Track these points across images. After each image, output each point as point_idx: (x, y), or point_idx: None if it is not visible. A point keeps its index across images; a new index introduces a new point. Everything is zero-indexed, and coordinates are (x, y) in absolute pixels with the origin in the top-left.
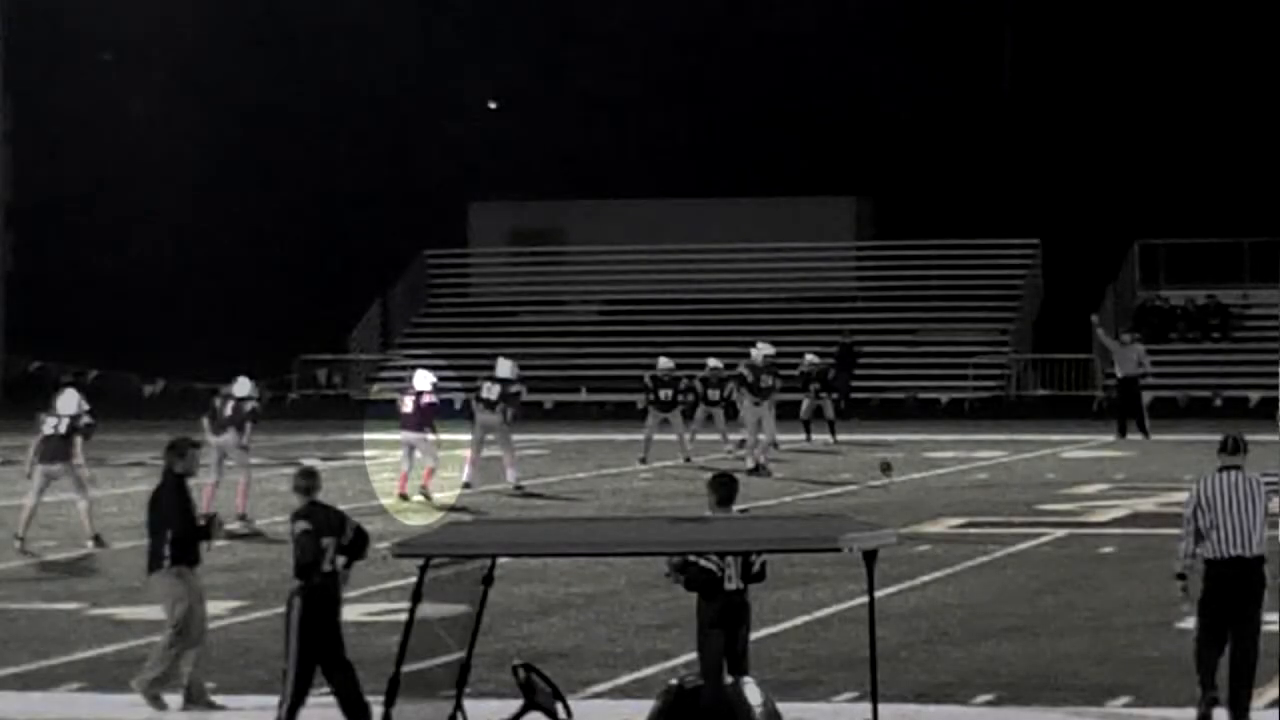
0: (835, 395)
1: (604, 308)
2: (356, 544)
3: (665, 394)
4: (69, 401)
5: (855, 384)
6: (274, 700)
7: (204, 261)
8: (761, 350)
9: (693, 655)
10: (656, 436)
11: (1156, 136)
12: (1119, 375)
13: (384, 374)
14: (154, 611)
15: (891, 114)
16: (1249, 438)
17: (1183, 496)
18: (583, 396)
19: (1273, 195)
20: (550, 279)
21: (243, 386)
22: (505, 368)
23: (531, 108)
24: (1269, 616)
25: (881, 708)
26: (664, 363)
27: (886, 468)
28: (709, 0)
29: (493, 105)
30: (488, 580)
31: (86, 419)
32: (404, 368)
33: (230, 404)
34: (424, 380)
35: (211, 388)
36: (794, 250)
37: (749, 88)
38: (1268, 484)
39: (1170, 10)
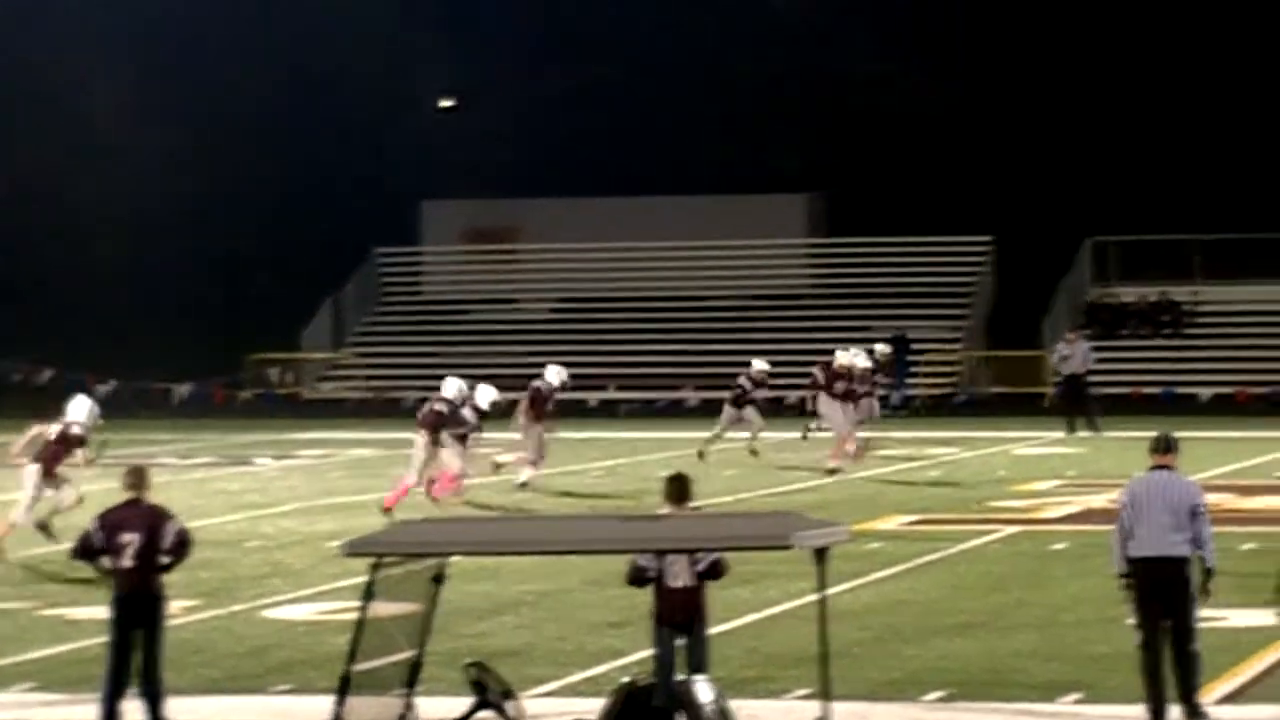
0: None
1: (557, 306)
2: (176, 547)
3: (760, 394)
4: (78, 408)
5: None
6: (229, 701)
7: (155, 260)
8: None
9: (646, 653)
10: (629, 434)
11: (1109, 134)
12: (1065, 373)
13: (335, 373)
14: (106, 611)
15: (844, 111)
16: (1200, 435)
17: None
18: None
19: (1224, 192)
20: (503, 277)
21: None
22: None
23: (485, 106)
24: (1222, 612)
25: (833, 705)
26: (760, 365)
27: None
28: (663, 0)
29: (445, 104)
30: (439, 579)
31: (77, 428)
32: (355, 366)
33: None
34: (450, 388)
35: (165, 386)
36: (747, 248)
37: (702, 86)
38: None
39: (1123, 9)
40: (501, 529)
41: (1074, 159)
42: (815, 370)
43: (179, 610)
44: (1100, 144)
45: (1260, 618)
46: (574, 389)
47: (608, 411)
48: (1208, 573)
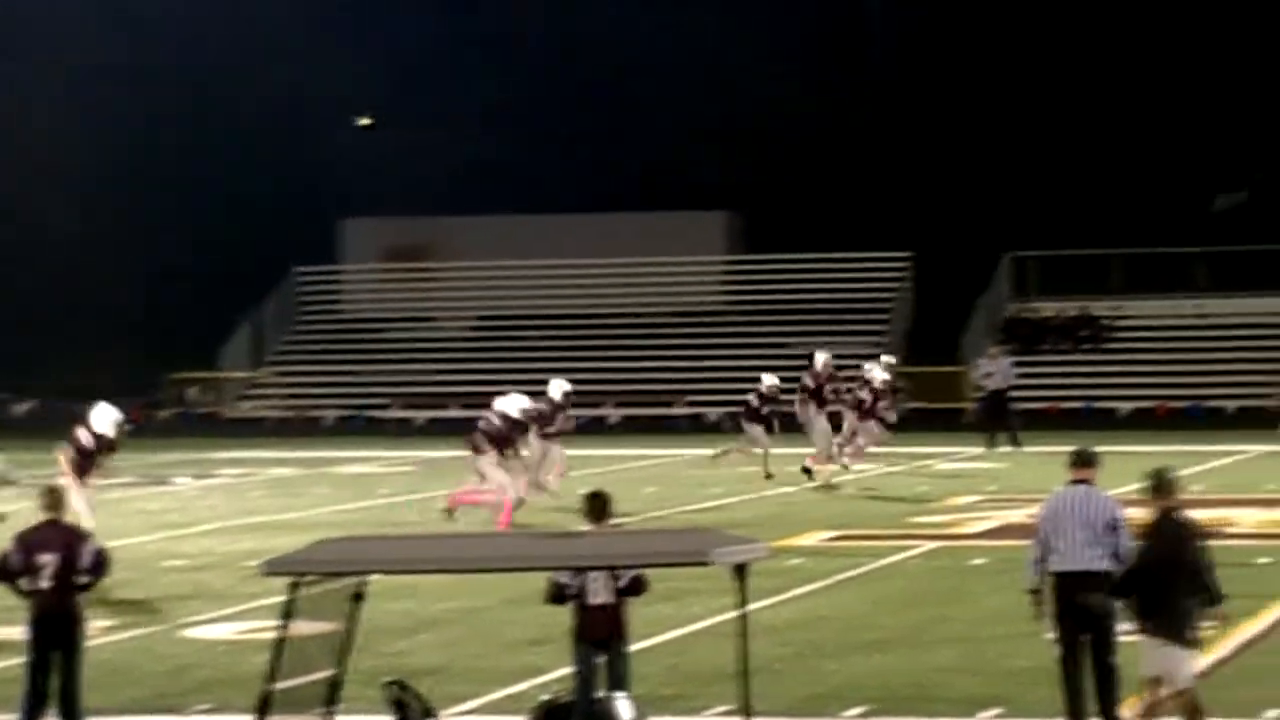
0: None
1: (476, 324)
2: (94, 567)
3: (766, 410)
4: (102, 417)
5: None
6: None
7: (75, 280)
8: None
9: (566, 671)
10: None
11: (1027, 150)
12: (989, 389)
13: (255, 391)
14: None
15: (762, 129)
16: (1119, 449)
17: None
18: (455, 413)
19: (1141, 207)
20: (422, 295)
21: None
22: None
23: (403, 125)
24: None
25: None
26: (772, 380)
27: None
28: (579, 18)
29: (363, 122)
30: (359, 597)
31: (87, 439)
32: (275, 385)
33: None
34: (510, 403)
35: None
36: (665, 265)
37: (621, 103)
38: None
39: (1038, 27)
40: (420, 547)
41: (992, 175)
42: (805, 376)
43: (98, 630)
44: (1018, 159)
45: None
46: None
47: None
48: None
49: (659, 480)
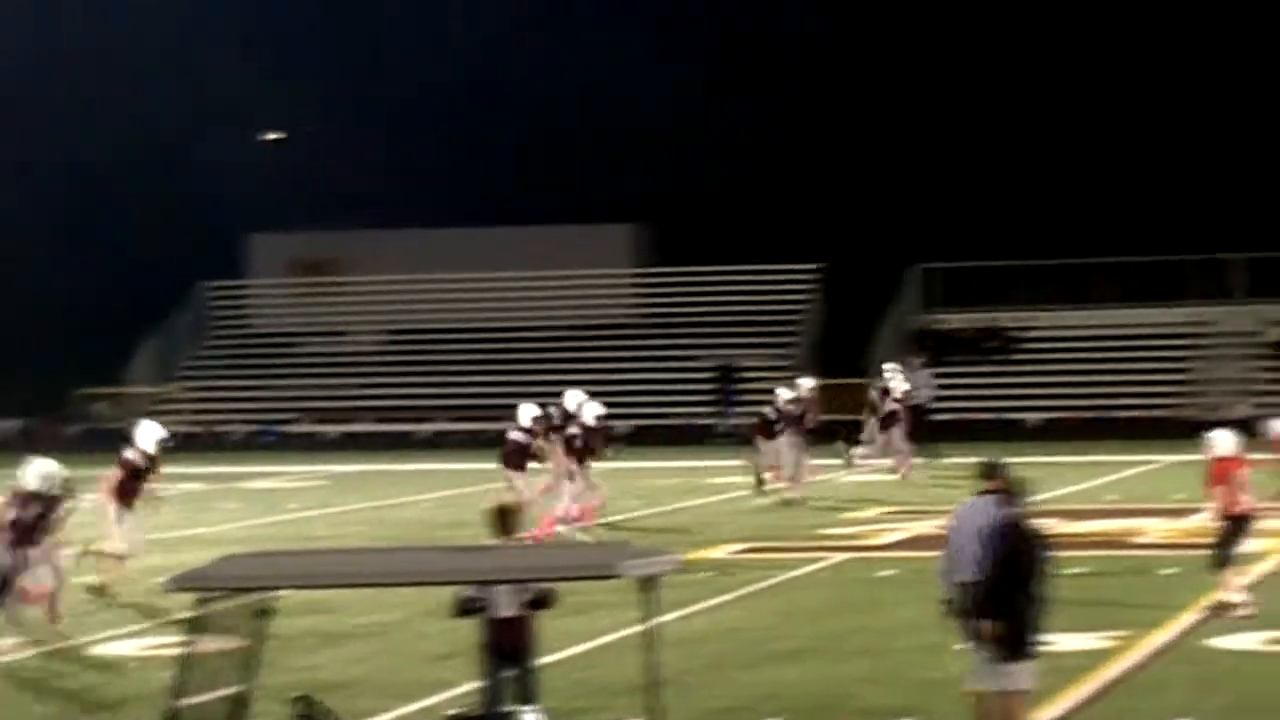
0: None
1: (386, 338)
2: None
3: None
4: (146, 434)
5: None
6: None
7: None
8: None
9: (475, 685)
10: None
11: (935, 163)
12: (913, 403)
13: (163, 407)
14: None
15: (670, 142)
16: (1028, 460)
17: None
18: (366, 427)
19: (1049, 218)
20: (332, 309)
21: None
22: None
23: (310, 139)
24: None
25: None
26: (788, 393)
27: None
28: (487, 32)
29: (271, 137)
30: (266, 613)
31: (139, 459)
32: (183, 400)
33: None
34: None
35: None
36: (574, 278)
37: (529, 117)
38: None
39: (943, 41)
40: (328, 562)
41: (899, 187)
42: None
43: (5, 648)
44: (925, 172)
45: (1087, 641)
46: (404, 420)
47: (438, 442)
48: None
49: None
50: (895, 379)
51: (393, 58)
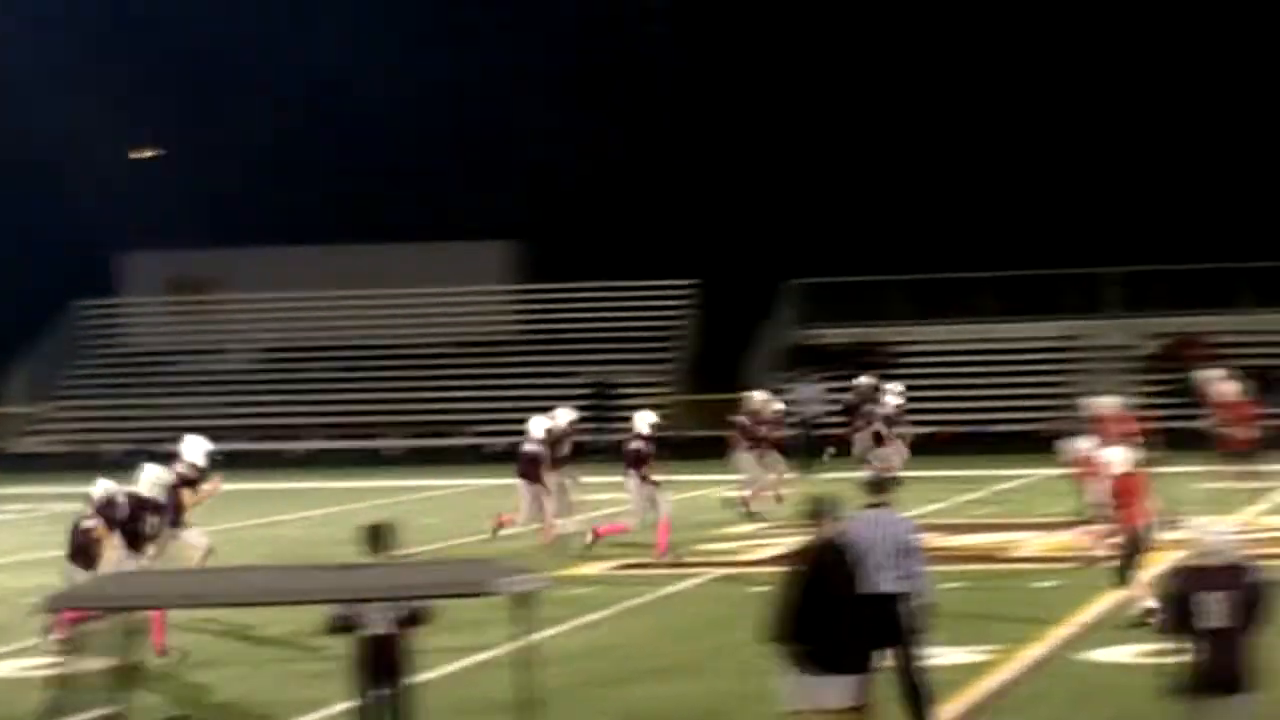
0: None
1: (261, 356)
2: None
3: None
4: (192, 448)
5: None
6: None
7: None
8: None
9: (350, 704)
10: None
11: (809, 178)
12: (802, 416)
13: (37, 427)
14: None
15: (545, 158)
16: (904, 474)
17: None
18: (242, 445)
19: (925, 233)
20: (206, 328)
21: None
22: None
23: (184, 157)
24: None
25: None
26: (777, 405)
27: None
28: (361, 46)
29: (145, 154)
30: (140, 632)
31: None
32: (58, 420)
33: None
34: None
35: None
36: (451, 295)
37: (406, 134)
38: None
39: (815, 56)
40: (203, 582)
41: (775, 202)
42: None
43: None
44: (802, 187)
45: (963, 656)
46: (278, 438)
47: (313, 460)
48: (924, 608)
49: (442, 511)
50: (890, 396)
51: (266, 75)
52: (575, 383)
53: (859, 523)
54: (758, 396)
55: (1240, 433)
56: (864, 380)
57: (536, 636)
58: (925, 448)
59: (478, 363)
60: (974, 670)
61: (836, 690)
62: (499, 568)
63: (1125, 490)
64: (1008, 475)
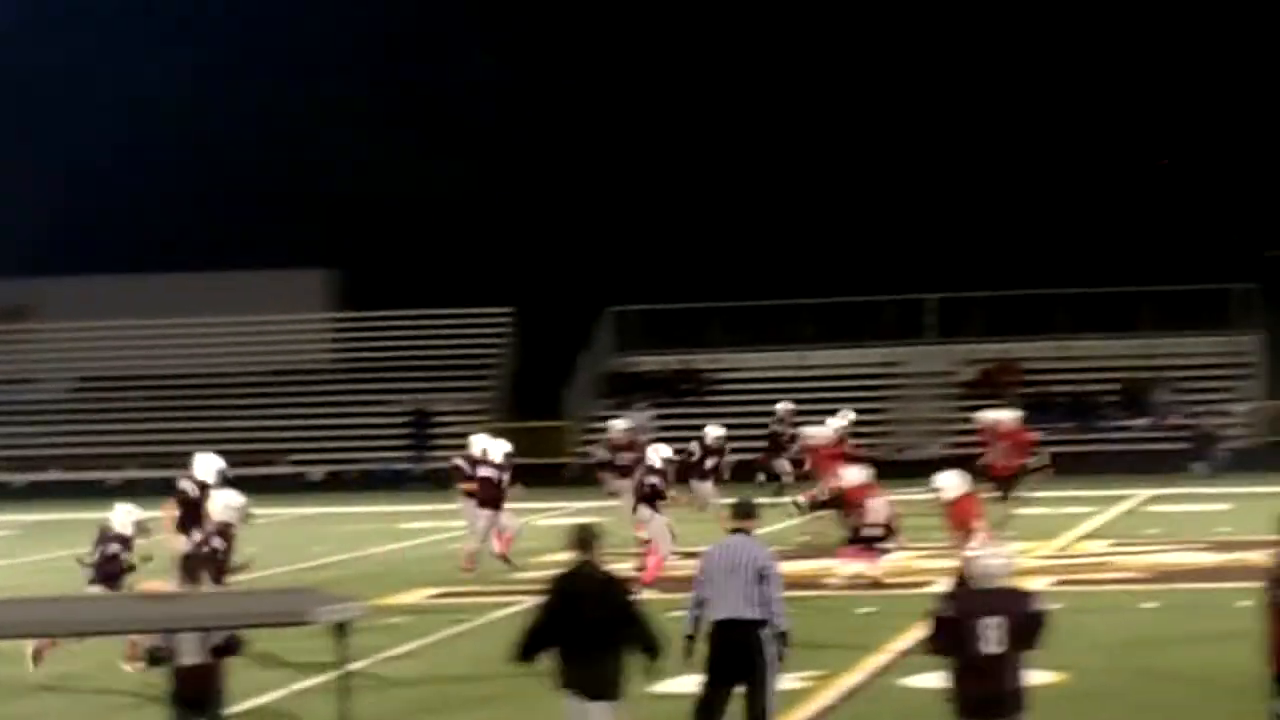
0: None
1: (77, 385)
2: None
3: (711, 462)
4: (204, 465)
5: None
6: None
7: None
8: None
9: None
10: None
11: (627, 205)
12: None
13: None
14: None
15: (362, 186)
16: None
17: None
18: (56, 475)
19: (744, 260)
20: (19, 356)
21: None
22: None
23: None
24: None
25: None
26: (717, 431)
27: None
28: (173, 74)
29: None
30: None
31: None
32: None
33: None
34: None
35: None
36: (268, 323)
37: (222, 162)
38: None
39: (631, 85)
40: (10, 611)
41: (593, 230)
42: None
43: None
44: (620, 215)
45: (782, 683)
46: (94, 468)
47: (129, 490)
48: (781, 636)
49: (260, 540)
50: (840, 421)
51: (77, 103)
52: (394, 411)
53: (716, 548)
54: (618, 425)
55: (1008, 460)
56: (783, 406)
57: (355, 665)
58: (745, 475)
59: (295, 391)
60: (794, 697)
61: (596, 717)
62: (317, 596)
63: (960, 512)
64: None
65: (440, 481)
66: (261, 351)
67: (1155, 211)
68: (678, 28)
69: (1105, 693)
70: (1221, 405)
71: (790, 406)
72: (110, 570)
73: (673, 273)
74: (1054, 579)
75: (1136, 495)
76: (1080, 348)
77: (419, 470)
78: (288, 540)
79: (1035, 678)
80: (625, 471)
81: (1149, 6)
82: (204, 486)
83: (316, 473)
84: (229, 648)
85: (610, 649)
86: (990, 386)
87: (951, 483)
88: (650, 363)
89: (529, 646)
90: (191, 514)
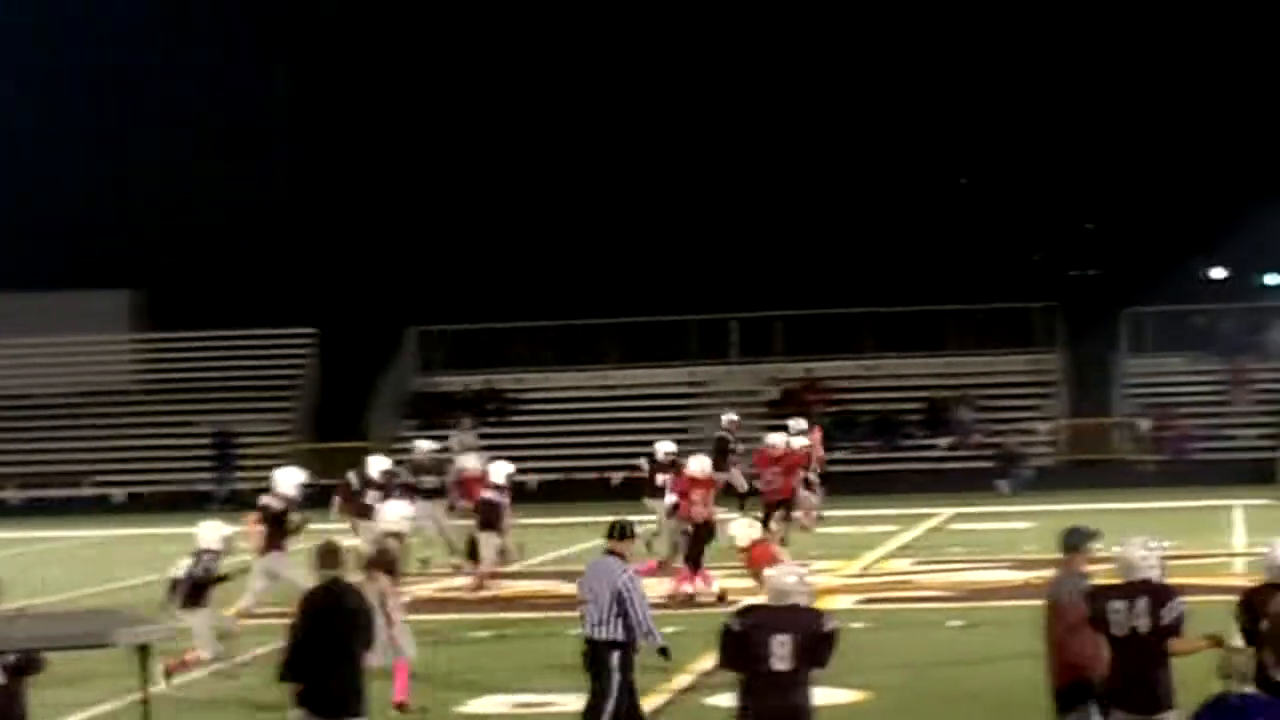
0: None
1: None
2: None
3: (661, 479)
4: (286, 479)
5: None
6: None
7: None
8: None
9: None
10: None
11: (431, 225)
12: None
13: None
14: None
15: (162, 205)
16: (531, 522)
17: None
18: None
19: (548, 281)
20: None
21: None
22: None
23: None
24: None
25: None
26: (668, 446)
27: None
28: None
29: None
30: None
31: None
32: None
33: None
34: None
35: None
36: (69, 344)
37: (19, 181)
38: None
39: (443, 102)
40: None
41: (395, 249)
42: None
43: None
44: (422, 235)
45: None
46: None
47: None
48: (662, 651)
49: (63, 562)
50: (797, 438)
51: None
52: (196, 432)
53: (588, 568)
54: (423, 447)
55: (780, 483)
56: (730, 417)
57: (158, 688)
58: (552, 494)
59: (97, 412)
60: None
61: None
62: (120, 618)
63: (758, 557)
64: (641, 520)
65: (244, 503)
66: (63, 372)
67: (957, 231)
68: (482, 50)
69: (904, 711)
70: (1024, 424)
71: (734, 417)
72: (203, 583)
73: (476, 292)
74: (858, 597)
75: (940, 514)
76: (884, 366)
77: (223, 491)
78: (91, 562)
79: (836, 696)
80: (430, 495)
81: (948, 28)
82: (287, 500)
83: (119, 494)
84: (25, 667)
85: (347, 663)
86: (795, 405)
87: (743, 531)
88: (454, 383)
89: (291, 664)
90: (275, 529)
